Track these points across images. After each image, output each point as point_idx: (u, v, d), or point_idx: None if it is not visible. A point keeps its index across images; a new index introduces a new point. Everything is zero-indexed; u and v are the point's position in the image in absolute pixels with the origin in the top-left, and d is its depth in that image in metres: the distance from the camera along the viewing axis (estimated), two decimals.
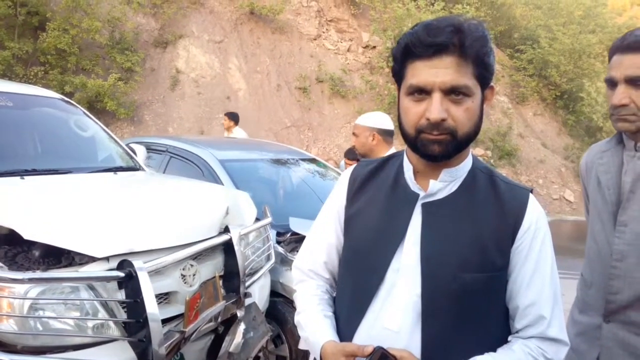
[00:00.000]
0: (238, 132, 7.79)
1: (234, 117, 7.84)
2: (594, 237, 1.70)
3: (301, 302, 1.39)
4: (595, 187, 1.71)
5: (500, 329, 1.23)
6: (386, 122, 3.24)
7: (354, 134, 3.26)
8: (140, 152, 3.86)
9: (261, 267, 3.09)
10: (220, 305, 2.46)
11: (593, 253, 1.71)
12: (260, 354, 3.18)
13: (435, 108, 1.11)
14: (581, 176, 1.84)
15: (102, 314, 2.02)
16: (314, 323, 1.31)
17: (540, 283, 1.19)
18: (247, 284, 2.77)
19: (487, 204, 1.21)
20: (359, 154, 3.21)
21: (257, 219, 3.16)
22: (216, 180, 3.84)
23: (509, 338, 1.22)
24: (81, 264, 2.07)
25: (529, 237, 1.19)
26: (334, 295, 1.41)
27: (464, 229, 1.18)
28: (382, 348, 1.11)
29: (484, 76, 1.15)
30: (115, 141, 3.81)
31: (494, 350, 1.18)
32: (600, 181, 1.68)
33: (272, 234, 3.40)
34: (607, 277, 1.62)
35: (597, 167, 1.71)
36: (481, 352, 1.16)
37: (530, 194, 1.25)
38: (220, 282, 2.55)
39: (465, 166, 1.24)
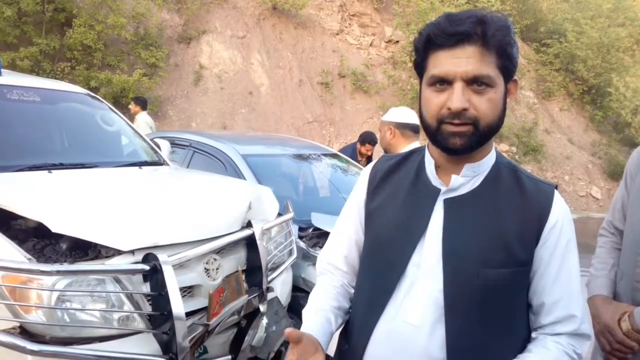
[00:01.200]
0: (142, 117, 7.96)
1: (140, 102, 8.13)
2: (632, 227, 1.71)
3: (310, 296, 1.42)
4: None
5: (524, 325, 1.23)
6: (406, 116, 3.19)
7: (379, 130, 3.26)
8: (165, 147, 3.90)
9: (283, 262, 3.10)
10: (243, 299, 2.47)
11: (628, 243, 1.72)
12: (282, 349, 3.20)
13: (457, 97, 1.10)
14: (629, 166, 1.82)
15: (128, 306, 2.05)
16: (307, 316, 1.32)
17: (567, 280, 1.18)
18: (269, 278, 2.78)
19: (510, 199, 1.19)
20: (383, 149, 3.19)
21: (280, 214, 3.17)
22: (239, 175, 3.85)
23: (533, 334, 1.22)
24: (107, 257, 2.11)
25: (555, 233, 1.18)
26: (352, 289, 1.42)
27: (487, 224, 1.17)
28: None
29: (507, 67, 1.14)
30: (140, 136, 3.86)
31: (519, 346, 1.18)
32: None
33: (294, 229, 3.40)
34: (635, 266, 1.63)
35: None
36: (505, 347, 1.17)
37: (555, 190, 1.23)
38: (243, 277, 2.56)
39: (488, 161, 1.22)
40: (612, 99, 15.17)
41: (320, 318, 1.29)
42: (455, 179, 1.20)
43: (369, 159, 5.88)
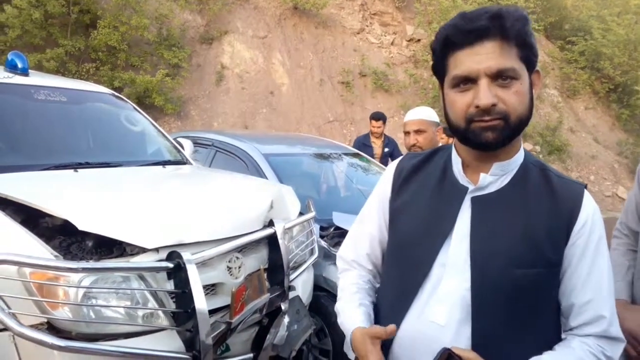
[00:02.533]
0: None
1: None
2: None
3: (341, 291, 1.41)
4: None
5: (552, 326, 1.20)
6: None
7: (417, 131, 3.00)
8: (188, 146, 3.94)
9: (305, 261, 3.10)
10: (265, 297, 2.48)
11: None
12: (304, 347, 3.20)
13: (484, 94, 1.08)
14: None
15: (152, 303, 2.07)
16: (348, 310, 1.33)
17: (598, 280, 1.15)
18: (290, 277, 2.78)
19: (539, 198, 1.17)
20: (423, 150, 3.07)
21: (301, 213, 3.18)
22: (260, 174, 3.87)
23: (563, 335, 1.19)
24: (132, 255, 2.13)
25: (585, 233, 1.15)
26: (377, 286, 1.42)
27: (515, 223, 1.15)
28: (448, 349, 1.09)
29: (529, 57, 1.12)
30: (164, 135, 3.90)
31: (546, 347, 1.16)
32: None
33: (316, 228, 3.41)
34: None
35: None
36: (532, 348, 1.14)
37: (585, 189, 1.21)
38: (265, 275, 2.57)
39: (517, 160, 1.20)
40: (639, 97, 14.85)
41: (365, 315, 1.30)
42: (484, 178, 1.19)
43: (383, 140, 6.20)
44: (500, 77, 1.09)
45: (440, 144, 3.00)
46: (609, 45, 14.65)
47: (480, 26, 1.08)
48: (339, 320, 1.37)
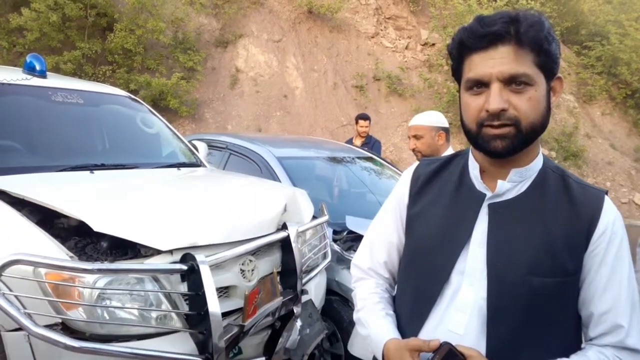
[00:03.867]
0: None
1: None
2: None
3: (361, 300, 1.38)
4: None
5: (571, 336, 1.17)
6: (444, 119, 3.18)
7: (415, 136, 3.15)
8: (202, 149, 3.95)
9: (317, 265, 3.09)
10: (278, 301, 2.48)
11: None
12: (316, 351, 3.19)
13: (494, 98, 1.07)
14: None
15: (165, 305, 2.08)
16: (375, 321, 1.29)
17: (617, 289, 1.12)
18: (303, 281, 2.78)
19: (558, 205, 1.15)
20: (424, 155, 3.12)
21: (314, 217, 3.17)
22: (274, 177, 3.87)
23: (583, 345, 1.16)
24: (146, 256, 2.14)
25: (604, 241, 1.12)
26: (394, 294, 1.39)
27: (534, 231, 1.13)
28: (449, 344, 1.08)
29: (547, 64, 1.09)
30: (179, 138, 3.92)
31: (565, 357, 1.13)
32: None
33: (329, 232, 3.40)
34: None
35: None
36: (551, 358, 1.11)
37: (606, 196, 1.18)
38: (278, 279, 2.57)
39: (535, 166, 1.18)
40: None
41: (394, 325, 1.27)
42: (502, 185, 1.17)
43: (366, 138, 6.82)
44: (514, 82, 1.07)
45: (440, 148, 3.04)
46: (627, 50, 14.48)
47: (494, 31, 1.07)
48: (363, 332, 1.33)
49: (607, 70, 15.27)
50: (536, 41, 1.07)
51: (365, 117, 7.02)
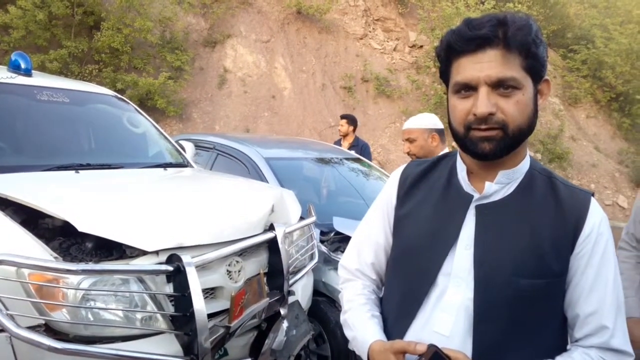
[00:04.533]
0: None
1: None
2: None
3: (348, 302, 1.37)
4: None
5: (557, 338, 1.18)
6: (438, 121, 3.20)
7: (408, 139, 3.16)
8: (189, 149, 3.93)
9: (304, 266, 3.09)
10: (264, 302, 2.47)
11: None
12: (302, 353, 3.18)
13: (482, 102, 1.07)
14: None
15: (151, 306, 2.06)
16: (361, 322, 1.29)
17: (602, 291, 1.13)
18: (290, 282, 2.77)
19: (545, 207, 1.16)
20: (418, 157, 3.12)
21: (302, 218, 3.17)
22: (261, 177, 3.87)
23: (568, 347, 1.17)
24: (131, 257, 2.12)
25: (590, 242, 1.13)
26: (380, 296, 1.39)
27: (521, 232, 1.14)
28: (435, 346, 1.08)
29: (534, 67, 1.10)
30: (165, 138, 3.89)
31: (551, 359, 1.13)
32: None
33: (316, 233, 3.40)
34: None
35: None
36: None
37: (592, 198, 1.18)
38: (265, 280, 2.56)
39: (522, 167, 1.19)
40: None
41: (380, 326, 1.27)
42: (489, 186, 1.17)
43: (353, 140, 6.67)
44: (501, 85, 1.08)
45: (434, 150, 3.06)
46: (611, 54, 14.66)
47: (482, 34, 1.07)
48: (349, 333, 1.32)
49: (592, 74, 15.46)
50: (524, 45, 1.07)
51: (343, 116, 6.86)
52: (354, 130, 6.73)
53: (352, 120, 6.72)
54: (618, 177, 14.18)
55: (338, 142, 6.79)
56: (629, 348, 1.14)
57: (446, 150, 3.07)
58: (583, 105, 15.84)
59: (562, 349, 1.18)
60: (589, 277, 1.14)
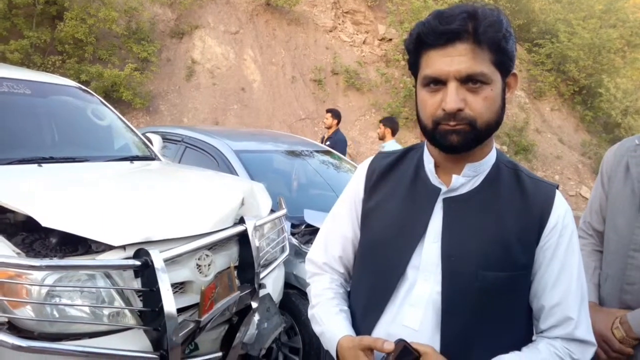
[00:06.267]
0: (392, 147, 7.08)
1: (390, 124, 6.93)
2: (616, 229, 1.68)
3: (315, 296, 1.36)
4: (622, 178, 1.69)
5: (524, 329, 1.20)
6: None
7: None
8: (157, 142, 3.87)
9: (275, 259, 3.08)
10: (235, 295, 2.45)
11: (613, 245, 1.69)
12: (274, 345, 3.19)
13: (451, 98, 1.07)
14: (605, 167, 1.80)
15: (118, 302, 2.02)
16: (329, 317, 1.28)
17: (567, 282, 1.15)
18: (261, 275, 2.76)
19: (511, 199, 1.17)
20: None
21: (272, 211, 3.15)
22: (231, 170, 3.83)
23: (534, 338, 1.19)
24: (98, 252, 2.08)
25: (555, 234, 1.15)
26: (348, 289, 1.38)
27: (487, 225, 1.15)
28: (404, 341, 1.08)
29: (503, 62, 1.10)
30: (132, 130, 3.82)
31: (517, 350, 1.15)
32: (631, 173, 1.66)
33: (287, 225, 3.39)
34: (624, 268, 1.60)
35: (630, 159, 1.68)
36: (504, 352, 1.13)
37: (557, 191, 1.20)
38: (235, 273, 2.54)
39: (489, 160, 1.20)
40: (603, 99, 15.25)
41: (347, 321, 1.26)
42: (457, 179, 1.18)
43: (330, 134, 6.98)
44: (470, 80, 1.07)
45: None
46: (575, 48, 15.02)
47: (453, 29, 1.06)
48: (317, 329, 1.31)
49: (556, 67, 15.82)
50: (494, 41, 1.07)
51: (328, 110, 7.24)
52: (337, 124, 7.03)
53: (336, 114, 7.07)
54: (581, 168, 14.59)
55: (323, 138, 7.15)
56: (592, 338, 1.17)
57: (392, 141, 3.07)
58: (547, 99, 16.21)
59: (529, 340, 1.20)
60: (554, 269, 1.15)
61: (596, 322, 1.60)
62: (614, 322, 1.58)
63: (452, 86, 1.07)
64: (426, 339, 1.12)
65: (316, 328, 1.32)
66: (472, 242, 1.14)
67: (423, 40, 1.11)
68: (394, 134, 6.35)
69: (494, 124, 1.13)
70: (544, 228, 1.15)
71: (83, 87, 3.87)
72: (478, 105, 1.08)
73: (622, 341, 1.56)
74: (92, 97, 3.80)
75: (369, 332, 1.20)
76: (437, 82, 1.10)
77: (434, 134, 1.13)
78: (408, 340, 1.09)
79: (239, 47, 13.06)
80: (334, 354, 1.24)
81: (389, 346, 1.09)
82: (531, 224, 1.15)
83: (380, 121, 6.69)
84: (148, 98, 11.16)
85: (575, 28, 15.20)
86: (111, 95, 10.21)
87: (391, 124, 6.42)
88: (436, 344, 1.12)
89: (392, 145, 6.09)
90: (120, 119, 3.83)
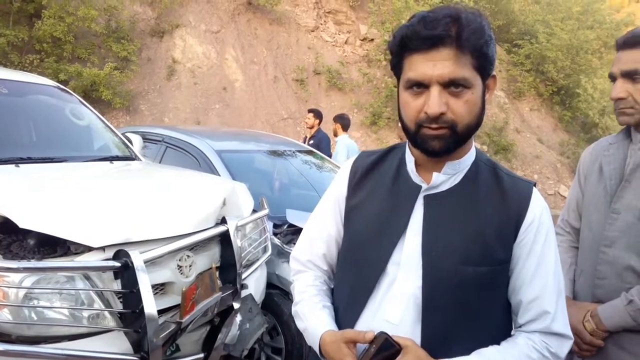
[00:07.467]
0: (343, 141, 7.11)
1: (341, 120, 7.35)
2: (590, 226, 1.74)
3: (299, 293, 1.38)
4: (596, 177, 1.74)
5: (503, 324, 1.22)
6: None
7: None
8: (137, 142, 3.83)
9: (258, 259, 3.08)
10: (217, 296, 2.44)
11: (587, 241, 1.75)
12: (256, 346, 3.18)
13: (434, 102, 1.09)
14: (582, 166, 1.86)
15: (98, 304, 2.00)
16: (312, 313, 1.30)
17: (544, 277, 1.18)
18: (243, 275, 2.75)
19: (490, 196, 1.20)
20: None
21: (254, 211, 3.15)
22: (212, 170, 3.82)
23: (512, 332, 1.22)
24: (77, 254, 2.05)
25: (532, 231, 1.17)
26: (332, 286, 1.40)
27: (466, 221, 1.17)
28: (385, 334, 1.10)
29: (484, 67, 1.13)
30: (112, 130, 3.78)
31: (497, 344, 1.17)
32: (604, 172, 1.71)
33: (269, 225, 3.38)
34: (596, 263, 1.66)
35: (603, 158, 1.74)
36: (483, 346, 1.15)
37: (534, 188, 1.23)
38: (217, 274, 2.53)
39: (468, 159, 1.22)
40: (581, 99, 15.55)
41: (331, 317, 1.28)
42: (437, 177, 1.20)
43: (313, 133, 7.15)
44: (452, 85, 1.09)
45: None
46: (553, 49, 15.27)
47: (437, 34, 1.07)
48: (300, 325, 1.33)
49: (535, 68, 16.05)
50: (476, 47, 1.09)
51: (310, 110, 7.42)
52: (319, 124, 7.17)
53: (317, 114, 7.23)
54: (560, 167, 14.82)
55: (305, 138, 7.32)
56: (569, 332, 1.20)
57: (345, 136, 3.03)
58: (527, 99, 16.44)
59: (508, 334, 1.22)
60: (531, 264, 1.18)
61: (569, 316, 1.66)
62: (585, 316, 1.64)
63: (435, 90, 1.09)
64: (407, 333, 1.14)
65: (300, 324, 1.34)
66: (452, 237, 1.16)
67: (406, 44, 1.12)
68: (344, 129, 7.01)
69: (474, 126, 1.15)
70: (521, 224, 1.18)
71: (61, 86, 3.82)
72: (460, 109, 1.10)
73: (592, 334, 1.61)
74: (70, 96, 3.75)
75: (351, 327, 1.21)
76: (420, 86, 1.12)
77: (415, 137, 1.15)
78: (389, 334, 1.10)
79: (220, 46, 13.00)
80: (317, 349, 1.25)
81: (370, 335, 1.11)
82: (509, 220, 1.18)
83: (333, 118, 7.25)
84: (128, 97, 11.05)
85: (554, 29, 15.45)
86: (90, 95, 10.09)
87: (341, 120, 7.08)
88: (417, 338, 1.14)
89: (344, 139, 6.88)
90: (100, 118, 3.79)
